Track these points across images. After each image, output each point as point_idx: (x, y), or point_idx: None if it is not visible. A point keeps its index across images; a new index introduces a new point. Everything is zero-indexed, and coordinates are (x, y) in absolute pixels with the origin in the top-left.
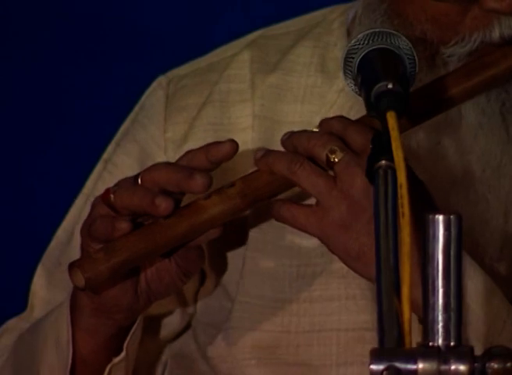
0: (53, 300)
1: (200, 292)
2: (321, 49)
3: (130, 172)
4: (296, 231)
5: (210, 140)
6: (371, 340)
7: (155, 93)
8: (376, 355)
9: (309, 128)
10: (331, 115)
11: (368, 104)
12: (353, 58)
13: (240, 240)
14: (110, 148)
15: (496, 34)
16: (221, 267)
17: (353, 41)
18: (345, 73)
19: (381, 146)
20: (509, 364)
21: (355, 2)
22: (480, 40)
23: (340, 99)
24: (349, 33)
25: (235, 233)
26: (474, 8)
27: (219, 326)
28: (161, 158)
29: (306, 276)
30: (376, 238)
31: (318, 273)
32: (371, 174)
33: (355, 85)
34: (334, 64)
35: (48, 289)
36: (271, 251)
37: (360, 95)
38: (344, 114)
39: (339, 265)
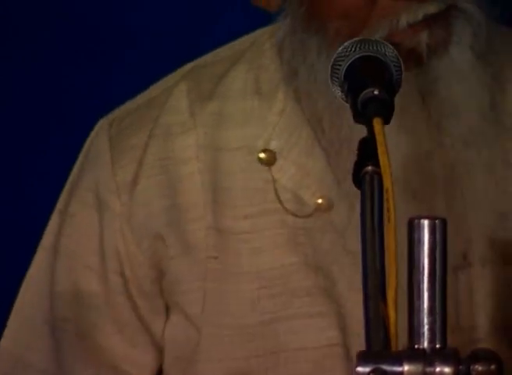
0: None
1: (166, 327)
2: (254, 72)
3: (90, 221)
4: (254, 254)
5: (160, 176)
6: (340, 355)
7: (98, 137)
8: (362, 358)
9: (253, 152)
10: (274, 137)
11: (355, 110)
12: (340, 65)
13: (200, 273)
14: (62, 198)
15: (403, 22)
16: (184, 300)
17: (340, 49)
18: (332, 80)
19: (367, 152)
20: (493, 366)
21: (283, 22)
22: (388, 28)
23: (283, 120)
24: (281, 53)
25: (194, 265)
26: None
27: (189, 359)
28: (115, 202)
29: (267, 298)
30: (362, 242)
31: (278, 294)
32: (358, 179)
33: (342, 92)
34: (269, 86)
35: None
36: (230, 279)
37: (346, 102)
38: (287, 135)
39: (298, 284)
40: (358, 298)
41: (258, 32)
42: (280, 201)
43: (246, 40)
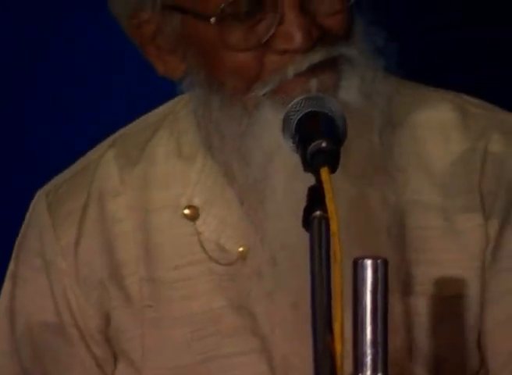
0: None
1: (115, 373)
2: (175, 137)
3: (40, 282)
4: (185, 301)
5: (98, 236)
6: None
7: (37, 207)
8: None
9: (178, 209)
10: (196, 194)
11: (304, 160)
12: (291, 119)
13: (138, 321)
14: (12, 264)
15: (290, 73)
16: (129, 347)
17: (290, 105)
18: (284, 133)
19: (316, 198)
20: None
21: (192, 88)
22: (278, 80)
23: (203, 178)
24: (196, 118)
25: (134, 315)
26: (269, 54)
27: None
28: (61, 262)
29: (199, 339)
30: (312, 281)
31: (209, 336)
32: (307, 223)
33: (293, 143)
34: (189, 149)
35: None
36: (165, 325)
37: (297, 153)
38: (208, 191)
39: (226, 325)
40: (281, 334)
41: (176, 99)
42: (205, 252)
43: (165, 107)
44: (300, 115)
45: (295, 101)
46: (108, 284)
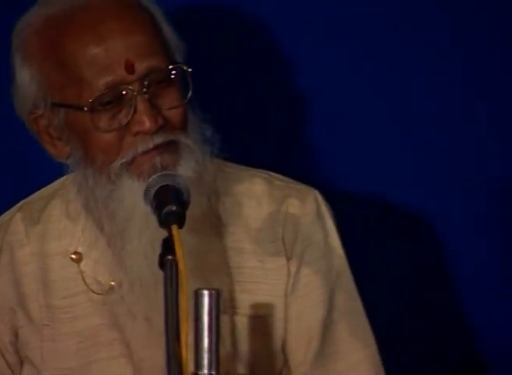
0: None
1: (22, 373)
2: (65, 204)
3: None
4: (72, 321)
5: (10, 275)
6: None
7: None
8: None
9: (67, 255)
10: (80, 244)
11: (160, 220)
12: (150, 190)
13: (39, 336)
14: None
15: (139, 151)
16: (31, 354)
17: (150, 179)
18: (145, 199)
19: (168, 247)
20: None
21: (75, 165)
22: (131, 155)
23: (85, 233)
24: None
25: (35, 332)
26: (127, 135)
27: None
28: None
29: (83, 349)
30: (165, 305)
31: (91, 346)
32: (162, 265)
33: (152, 208)
34: (75, 212)
35: None
36: (58, 338)
37: (154, 214)
38: (88, 242)
39: (104, 338)
40: (140, 343)
41: (65, 177)
42: (86, 285)
43: (58, 182)
44: (157, 187)
45: (153, 177)
46: (17, 310)
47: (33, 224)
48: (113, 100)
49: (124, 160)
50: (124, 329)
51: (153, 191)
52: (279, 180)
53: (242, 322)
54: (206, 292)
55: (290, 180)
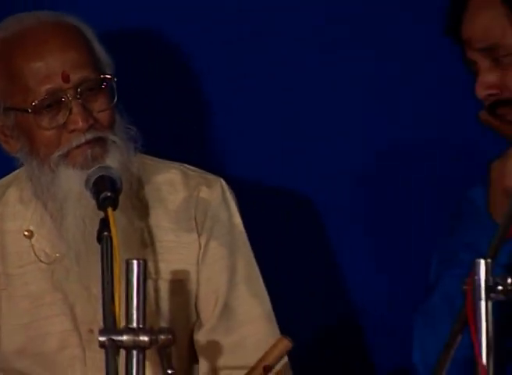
0: None
1: None
2: (19, 192)
3: None
4: (25, 285)
5: None
6: (75, 336)
7: None
8: (101, 332)
9: (21, 232)
10: (31, 224)
11: (98, 204)
12: (90, 179)
13: None
14: None
15: (73, 145)
16: None
17: (89, 171)
18: (86, 187)
19: (104, 225)
20: (170, 336)
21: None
22: (67, 148)
23: (35, 215)
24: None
25: None
26: (64, 132)
27: None
28: None
29: (35, 307)
30: (102, 274)
31: (41, 305)
32: (100, 239)
33: (91, 193)
34: (27, 198)
35: None
36: (13, 299)
37: (93, 199)
38: (38, 222)
39: (51, 299)
40: (83, 305)
41: (20, 169)
42: (37, 256)
43: (14, 174)
44: (95, 177)
45: (92, 169)
46: None
47: None
48: (52, 103)
49: (61, 152)
50: (66, 292)
51: (92, 180)
52: (192, 170)
53: (163, 285)
54: (135, 261)
55: (201, 171)
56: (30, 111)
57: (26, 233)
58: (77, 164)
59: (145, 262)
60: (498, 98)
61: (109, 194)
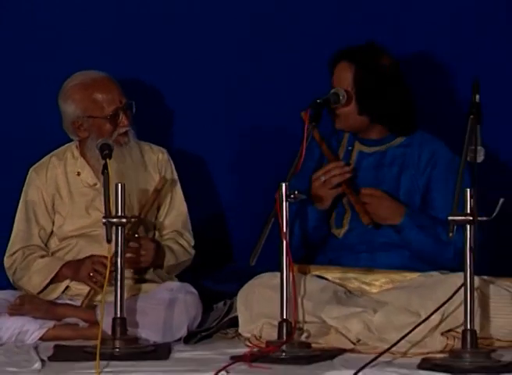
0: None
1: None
2: (71, 153)
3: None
4: (81, 196)
5: (51, 178)
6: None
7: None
8: (103, 218)
9: (74, 172)
10: (78, 168)
11: (101, 155)
12: (97, 145)
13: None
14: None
15: (116, 134)
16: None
17: (98, 141)
18: (97, 148)
19: (105, 166)
20: None
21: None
22: (116, 136)
23: (80, 164)
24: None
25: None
26: (118, 127)
27: None
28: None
29: (87, 217)
30: (104, 193)
31: (89, 214)
32: (103, 172)
33: (100, 152)
34: (76, 155)
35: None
36: (73, 205)
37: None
38: (82, 167)
39: (95, 216)
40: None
41: (68, 144)
42: (82, 183)
43: (66, 146)
44: (101, 143)
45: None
46: (55, 193)
47: (59, 161)
48: (114, 114)
49: (113, 137)
50: (99, 211)
51: (99, 145)
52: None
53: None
54: (120, 185)
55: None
56: (108, 118)
57: (76, 174)
58: (119, 142)
59: (123, 185)
60: None
61: (107, 151)
